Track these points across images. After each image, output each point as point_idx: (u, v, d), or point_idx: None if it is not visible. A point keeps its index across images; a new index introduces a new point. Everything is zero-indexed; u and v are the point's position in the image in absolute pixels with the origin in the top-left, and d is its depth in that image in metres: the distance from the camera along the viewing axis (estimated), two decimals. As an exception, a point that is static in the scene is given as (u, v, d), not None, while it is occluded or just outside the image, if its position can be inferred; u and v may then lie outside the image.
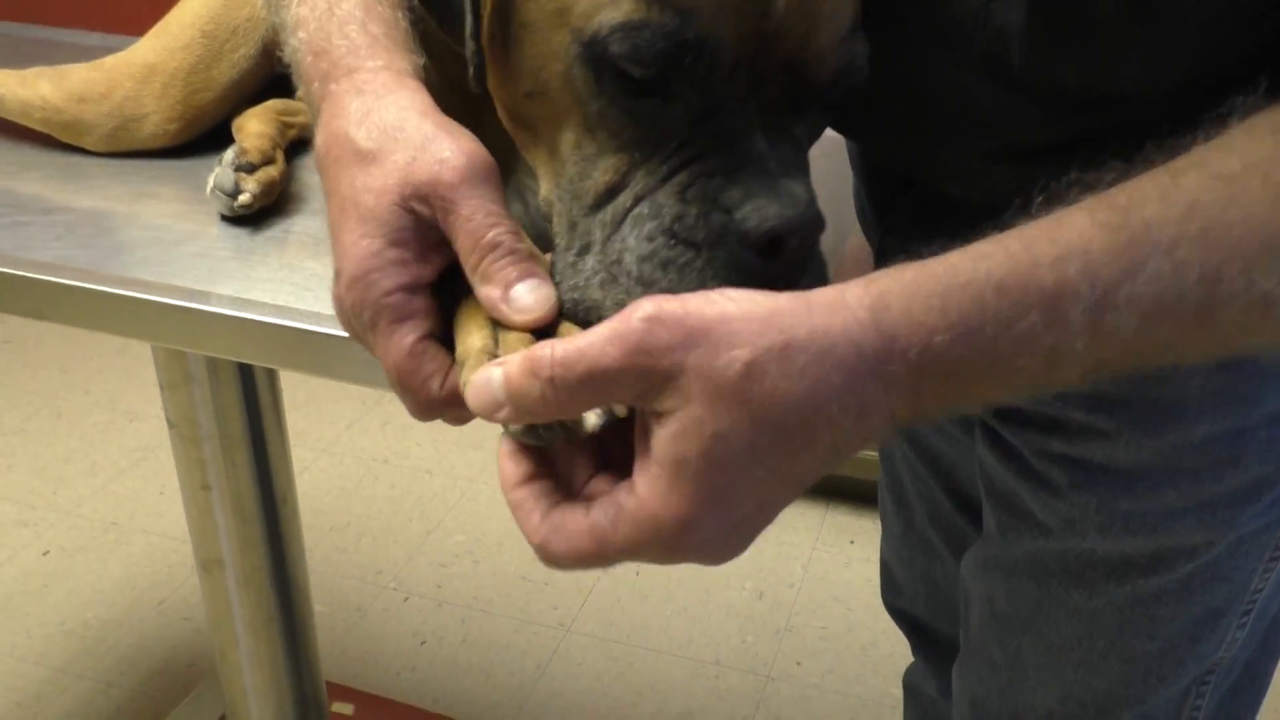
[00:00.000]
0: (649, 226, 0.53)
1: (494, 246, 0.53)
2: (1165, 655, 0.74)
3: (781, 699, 1.80)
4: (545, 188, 0.58)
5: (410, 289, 0.53)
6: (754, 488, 0.45)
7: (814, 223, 0.52)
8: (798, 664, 1.87)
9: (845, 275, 0.50)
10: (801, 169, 0.54)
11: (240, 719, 1.33)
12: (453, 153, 0.53)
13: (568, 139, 0.55)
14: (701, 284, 0.51)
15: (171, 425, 1.14)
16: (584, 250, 0.55)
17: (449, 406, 0.53)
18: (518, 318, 0.53)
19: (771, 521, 0.47)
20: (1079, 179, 0.48)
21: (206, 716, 1.49)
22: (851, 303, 0.45)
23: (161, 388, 1.11)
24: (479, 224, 0.52)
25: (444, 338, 0.55)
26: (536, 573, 2.04)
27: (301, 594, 1.28)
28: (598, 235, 0.54)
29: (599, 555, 0.47)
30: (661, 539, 0.45)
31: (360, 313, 0.52)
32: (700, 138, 0.52)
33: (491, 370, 0.48)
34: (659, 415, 0.45)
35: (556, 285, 0.54)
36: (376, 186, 0.52)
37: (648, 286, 0.52)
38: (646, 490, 0.45)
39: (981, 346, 0.45)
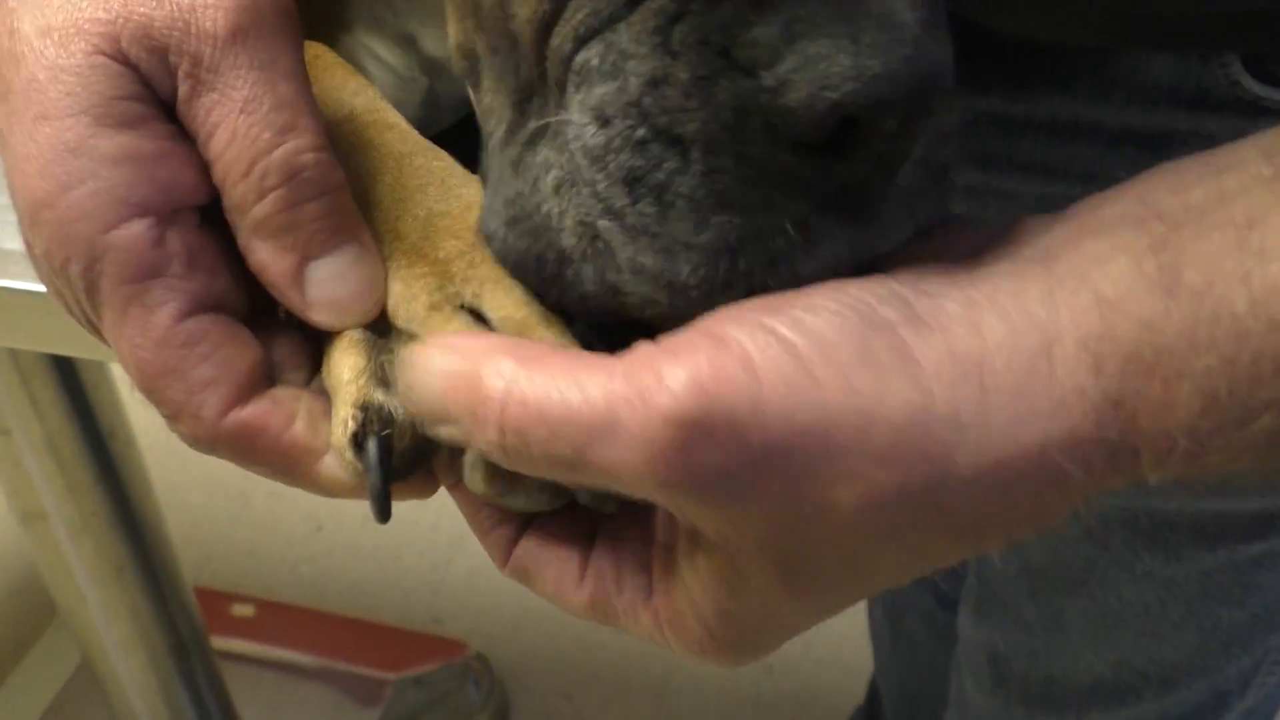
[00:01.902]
0: (600, 94, 0.29)
1: (288, 173, 0.31)
2: (1257, 623, 0.61)
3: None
4: (455, 29, 0.34)
5: (157, 215, 0.31)
6: (816, 619, 0.32)
7: (927, 85, 0.28)
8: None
9: None
10: None
11: (103, 669, 1.15)
12: None
13: None
14: (697, 227, 0.29)
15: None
16: (536, 137, 0.32)
17: (252, 451, 0.33)
18: (316, 316, 0.32)
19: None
20: None
21: (64, 664, 1.31)
22: (1063, 389, 0.28)
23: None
24: (259, 121, 0.31)
25: (245, 305, 0.34)
26: (439, 436, 1.86)
27: (155, 534, 1.08)
28: (549, 107, 0.31)
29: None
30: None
31: (64, 267, 0.31)
32: None
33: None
34: (698, 534, 0.30)
35: (488, 206, 0.33)
36: (60, 24, 0.30)
37: (615, 218, 0.30)
38: (677, 632, 0.32)
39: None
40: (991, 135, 0.51)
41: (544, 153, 0.31)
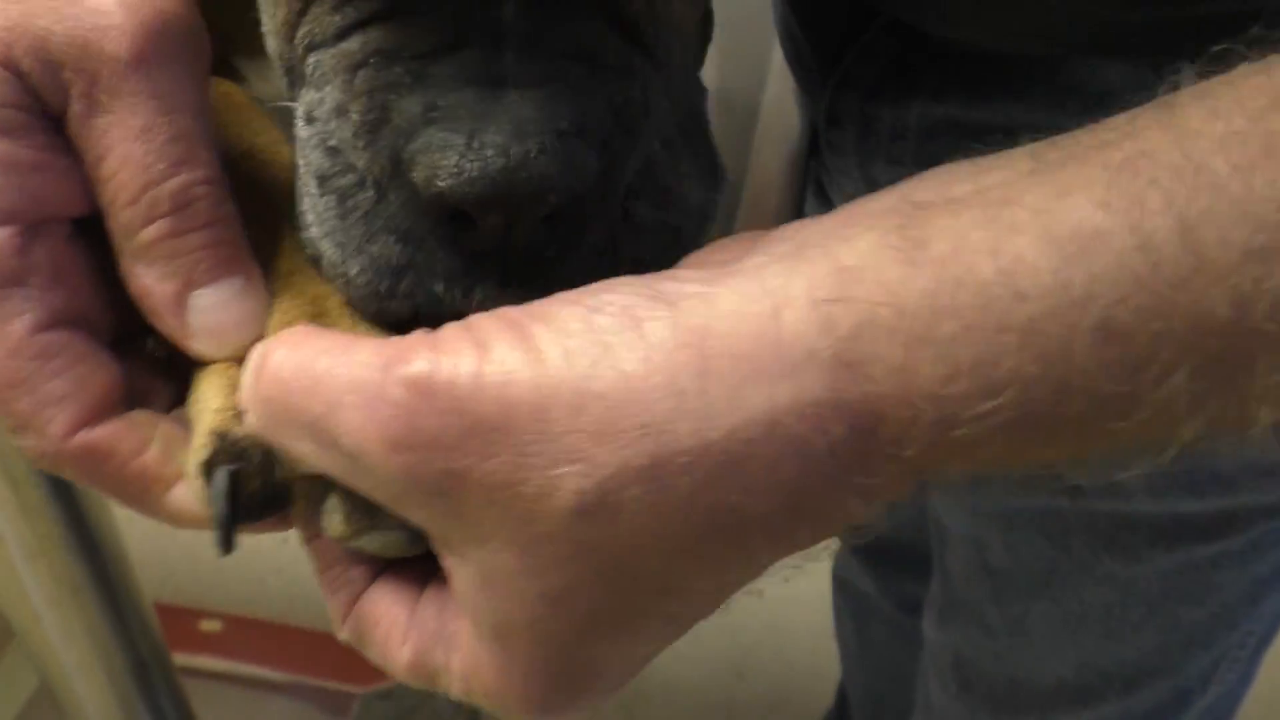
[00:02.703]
0: (311, 96, 0.32)
1: (178, 203, 0.31)
2: (1216, 621, 0.61)
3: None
4: (271, 44, 0.36)
5: (24, 224, 0.31)
6: (629, 647, 0.30)
7: (527, 191, 0.29)
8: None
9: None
10: (587, 57, 0.31)
11: (62, 691, 1.13)
12: (123, 1, 0.30)
13: None
14: (366, 238, 0.32)
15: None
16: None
17: (98, 474, 0.32)
18: (196, 345, 0.32)
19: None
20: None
21: (22, 686, 1.29)
22: (791, 351, 0.26)
23: None
24: (154, 151, 0.30)
25: (111, 327, 0.33)
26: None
27: (112, 553, 1.07)
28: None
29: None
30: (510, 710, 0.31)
31: None
32: None
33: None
34: (447, 549, 0.30)
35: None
36: None
37: (311, 204, 0.32)
38: (471, 656, 0.31)
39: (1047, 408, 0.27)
40: (947, 143, 0.51)
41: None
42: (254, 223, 0.35)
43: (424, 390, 0.27)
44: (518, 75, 0.30)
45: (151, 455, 0.32)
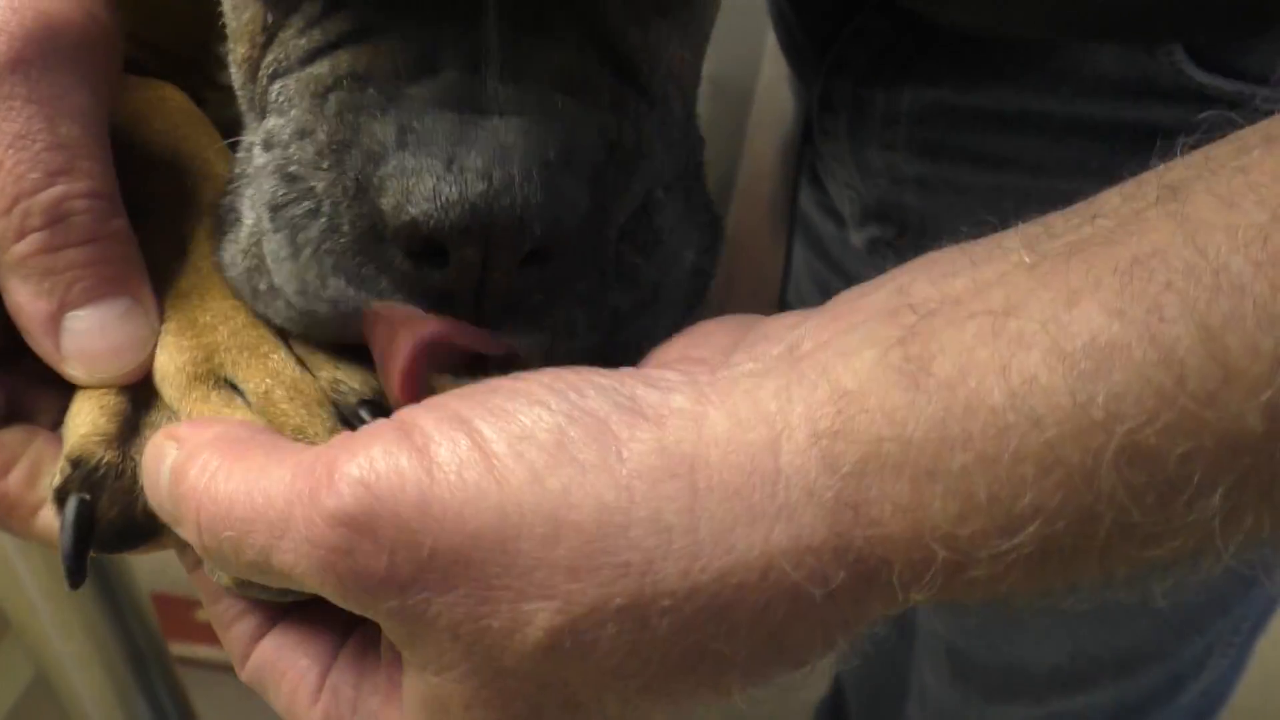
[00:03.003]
0: (273, 123, 0.30)
1: (53, 217, 0.29)
2: (1209, 607, 0.61)
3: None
4: (233, 74, 0.35)
5: None
6: None
7: (511, 223, 0.27)
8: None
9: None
10: (576, 88, 0.29)
11: (58, 683, 1.13)
12: (8, 2, 0.28)
13: None
14: (320, 278, 0.29)
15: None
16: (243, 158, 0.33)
17: None
18: (69, 369, 0.30)
19: None
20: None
21: (17, 679, 1.29)
22: (789, 489, 0.24)
23: None
24: (29, 159, 0.29)
25: None
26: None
27: (109, 544, 1.05)
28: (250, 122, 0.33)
29: None
30: None
31: None
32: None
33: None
34: (406, 659, 0.27)
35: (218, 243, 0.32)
36: None
37: (267, 236, 0.30)
38: None
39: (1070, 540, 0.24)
40: (941, 127, 0.51)
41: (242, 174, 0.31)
42: (163, 232, 0.33)
43: (363, 528, 0.24)
44: (500, 101, 0.27)
45: (14, 479, 0.31)
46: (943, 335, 0.24)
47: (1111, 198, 0.26)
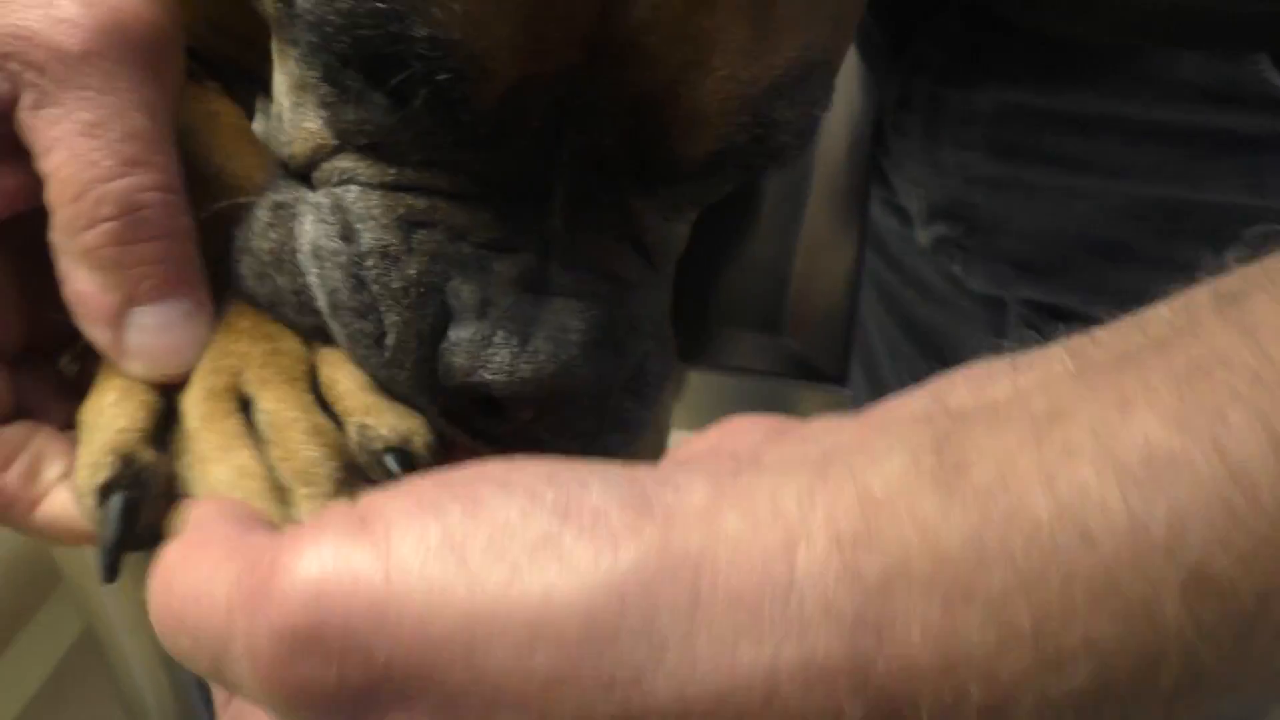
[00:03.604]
0: (344, 220, 0.32)
1: (126, 207, 0.29)
2: None
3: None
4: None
5: None
6: None
7: (562, 394, 0.31)
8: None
9: None
10: (614, 276, 0.33)
11: (106, 638, 1.15)
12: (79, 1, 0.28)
13: (277, 65, 0.34)
14: (388, 384, 0.32)
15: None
16: (279, 210, 0.34)
17: None
18: (129, 364, 0.30)
19: None
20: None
21: (66, 632, 1.31)
22: (803, 602, 0.21)
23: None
24: (103, 147, 0.28)
25: (18, 339, 0.32)
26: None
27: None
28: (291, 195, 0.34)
29: None
30: None
31: None
32: (446, 165, 0.31)
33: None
34: None
35: (241, 252, 0.32)
36: None
37: (338, 295, 0.32)
38: None
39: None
40: (1018, 128, 0.52)
41: (302, 221, 0.32)
42: (206, 246, 0.33)
43: (307, 639, 0.21)
44: (561, 285, 0.31)
45: (14, 474, 0.31)
46: (981, 441, 0.22)
47: (1161, 310, 0.24)
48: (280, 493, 0.30)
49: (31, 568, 1.57)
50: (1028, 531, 0.20)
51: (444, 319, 0.31)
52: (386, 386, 0.32)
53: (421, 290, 0.31)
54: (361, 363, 0.32)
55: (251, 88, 0.42)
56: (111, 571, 0.29)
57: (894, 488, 0.22)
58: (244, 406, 0.32)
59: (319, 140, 0.32)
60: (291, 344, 0.33)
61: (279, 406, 0.31)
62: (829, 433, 0.25)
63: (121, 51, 0.29)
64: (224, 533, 0.26)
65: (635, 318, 0.33)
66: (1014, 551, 0.20)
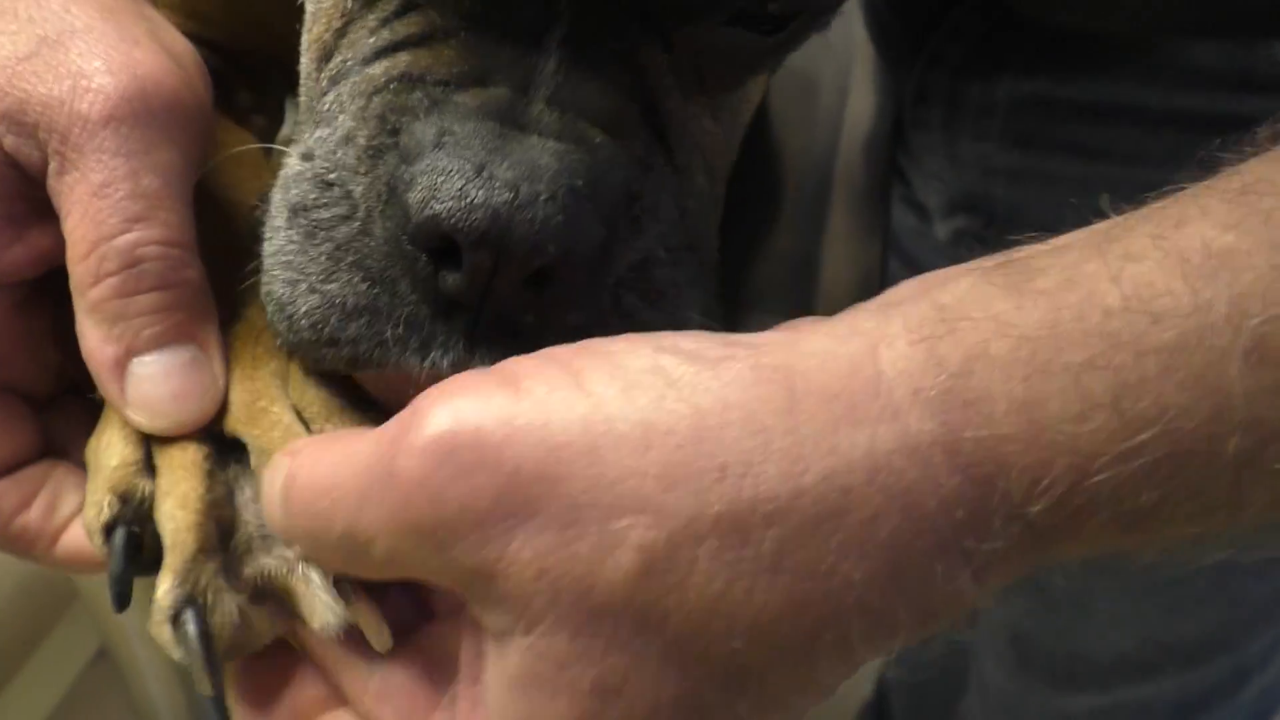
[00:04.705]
0: (317, 134, 0.31)
1: (127, 262, 0.30)
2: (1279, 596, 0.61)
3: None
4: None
5: None
6: None
7: (527, 235, 0.27)
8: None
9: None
10: (612, 127, 0.30)
11: (123, 655, 1.15)
12: (107, 65, 0.30)
13: None
14: (327, 274, 0.30)
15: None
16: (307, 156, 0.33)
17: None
18: (132, 414, 0.31)
19: None
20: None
21: (83, 649, 1.31)
22: (893, 389, 0.23)
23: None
24: (110, 206, 0.30)
25: (47, 386, 0.34)
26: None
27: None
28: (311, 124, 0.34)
29: None
30: None
31: None
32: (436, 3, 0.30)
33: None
34: (485, 631, 0.25)
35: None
36: None
37: (273, 242, 0.31)
38: None
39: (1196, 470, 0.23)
40: (1037, 118, 0.53)
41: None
42: (236, 287, 0.34)
43: (443, 455, 0.23)
44: (542, 123, 0.29)
45: (35, 511, 0.33)
46: (1044, 260, 0.24)
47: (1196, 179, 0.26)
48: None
49: (48, 585, 1.56)
50: (1098, 319, 0.22)
51: (400, 172, 0.29)
52: (364, 265, 0.29)
53: (371, 153, 0.30)
54: (334, 262, 0.30)
55: (281, 84, 0.43)
56: (122, 600, 0.31)
57: (966, 297, 0.23)
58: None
59: (333, 13, 0.32)
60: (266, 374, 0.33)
61: (312, 401, 0.32)
62: (888, 294, 0.27)
63: (141, 116, 0.31)
64: (363, 431, 0.27)
65: (647, 203, 0.30)
66: (1088, 333, 0.22)
